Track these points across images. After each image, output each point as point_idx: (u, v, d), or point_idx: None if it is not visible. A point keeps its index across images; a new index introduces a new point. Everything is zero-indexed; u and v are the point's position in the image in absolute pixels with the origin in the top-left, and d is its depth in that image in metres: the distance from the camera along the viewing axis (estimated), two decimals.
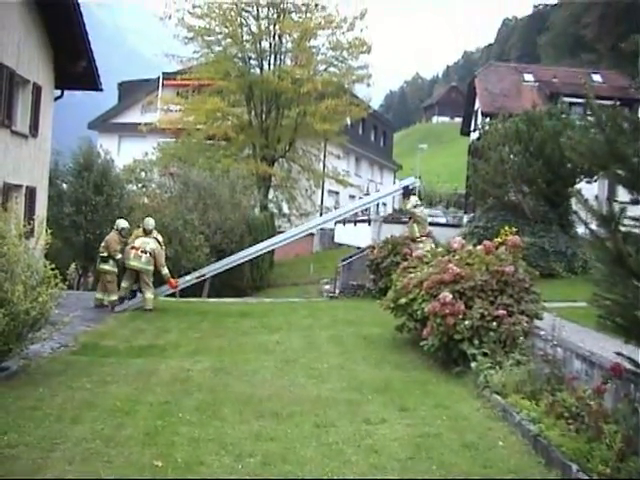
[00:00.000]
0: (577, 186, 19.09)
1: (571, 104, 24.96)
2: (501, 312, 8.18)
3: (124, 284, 13.48)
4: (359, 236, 27.97)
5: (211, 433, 5.78)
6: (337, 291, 17.23)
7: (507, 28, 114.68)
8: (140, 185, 23.35)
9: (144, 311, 13.09)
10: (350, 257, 17.93)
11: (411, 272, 10.00)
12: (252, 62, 30.93)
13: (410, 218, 15.63)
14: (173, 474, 4.89)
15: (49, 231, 8.92)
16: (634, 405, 5.21)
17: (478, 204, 23.96)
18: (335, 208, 33.04)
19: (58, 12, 15.00)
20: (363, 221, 29.86)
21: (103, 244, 13.62)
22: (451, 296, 8.36)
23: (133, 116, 38.65)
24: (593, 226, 5.15)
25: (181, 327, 11.70)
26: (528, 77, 35.19)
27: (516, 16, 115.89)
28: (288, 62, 30.98)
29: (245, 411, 6.47)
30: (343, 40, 30.09)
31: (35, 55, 15.23)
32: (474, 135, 33.42)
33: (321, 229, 32.33)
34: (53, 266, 8.05)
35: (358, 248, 20.60)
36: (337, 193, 40.32)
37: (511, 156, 19.91)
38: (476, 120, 34.69)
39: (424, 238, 14.89)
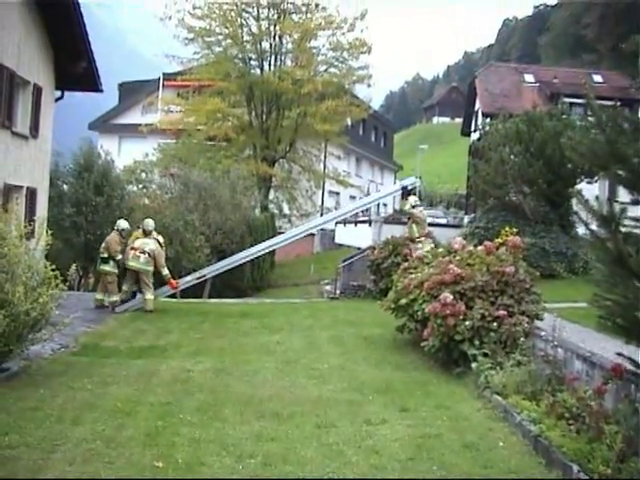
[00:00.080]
0: (578, 186, 19.07)
1: (571, 104, 24.95)
2: (502, 313, 8.18)
3: (125, 286, 13.49)
4: (360, 237, 27.98)
5: (212, 434, 5.79)
6: (338, 292, 17.23)
7: (507, 28, 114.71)
8: (141, 186, 23.36)
9: (145, 312, 13.08)
10: (351, 258, 17.93)
11: (412, 273, 10.00)
12: (252, 63, 30.99)
13: (409, 218, 15.62)
14: (174, 475, 4.89)
15: (49, 232, 8.91)
16: (635, 405, 5.21)
17: (479, 205, 23.95)
18: (336, 209, 33.05)
19: (58, 12, 15.00)
20: (364, 222, 29.87)
21: (103, 245, 13.61)
22: (452, 297, 8.37)
23: (133, 117, 38.70)
24: (594, 227, 5.15)
25: (182, 328, 11.70)
26: (528, 77, 35.18)
27: (516, 16, 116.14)
28: (288, 63, 31.03)
29: (246, 412, 6.48)
30: (343, 41, 30.17)
31: (35, 56, 15.24)
32: (474, 135, 33.40)
33: (322, 230, 32.35)
34: (54, 267, 8.05)
35: (359, 249, 20.61)
36: (338, 194, 40.34)
37: (512, 157, 19.91)
38: (476, 120, 34.68)
39: (423, 238, 14.87)
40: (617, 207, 4.92)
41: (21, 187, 14.95)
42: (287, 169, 32.37)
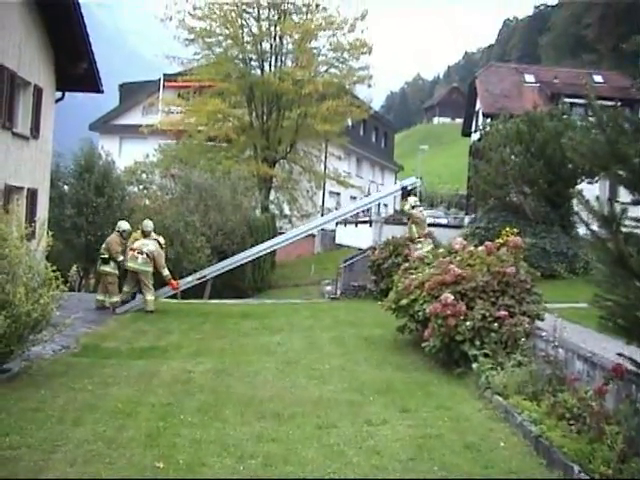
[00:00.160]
0: (578, 187, 19.09)
1: (572, 105, 24.96)
2: (502, 313, 8.18)
3: (126, 288, 13.49)
4: (360, 237, 28.01)
5: (213, 434, 5.78)
6: (338, 292, 17.24)
7: (508, 29, 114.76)
8: (141, 187, 23.38)
9: (145, 313, 13.08)
10: (351, 258, 17.94)
11: (412, 273, 10.00)
12: (253, 63, 31.03)
13: (409, 219, 15.62)
14: (175, 475, 4.89)
15: (50, 233, 8.91)
16: (636, 406, 5.21)
17: (479, 205, 23.97)
18: (336, 209, 33.07)
19: (58, 13, 15.02)
20: (364, 222, 29.88)
21: (104, 246, 13.62)
22: (452, 297, 8.36)
23: (134, 118, 38.73)
24: (594, 227, 5.15)
25: (182, 328, 11.70)
26: (529, 78, 35.20)
27: (517, 17, 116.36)
28: (289, 63, 31.05)
29: (247, 412, 6.48)
30: (344, 41, 30.22)
31: (36, 57, 15.26)
32: (475, 136, 33.42)
33: (322, 230, 32.36)
34: (54, 268, 8.05)
35: (359, 249, 20.63)
36: (338, 194, 40.34)
37: (512, 157, 19.92)
38: (477, 121, 34.69)
39: (422, 239, 14.87)
40: (618, 207, 4.92)
41: (22, 188, 14.95)
42: (288, 170, 32.39)
